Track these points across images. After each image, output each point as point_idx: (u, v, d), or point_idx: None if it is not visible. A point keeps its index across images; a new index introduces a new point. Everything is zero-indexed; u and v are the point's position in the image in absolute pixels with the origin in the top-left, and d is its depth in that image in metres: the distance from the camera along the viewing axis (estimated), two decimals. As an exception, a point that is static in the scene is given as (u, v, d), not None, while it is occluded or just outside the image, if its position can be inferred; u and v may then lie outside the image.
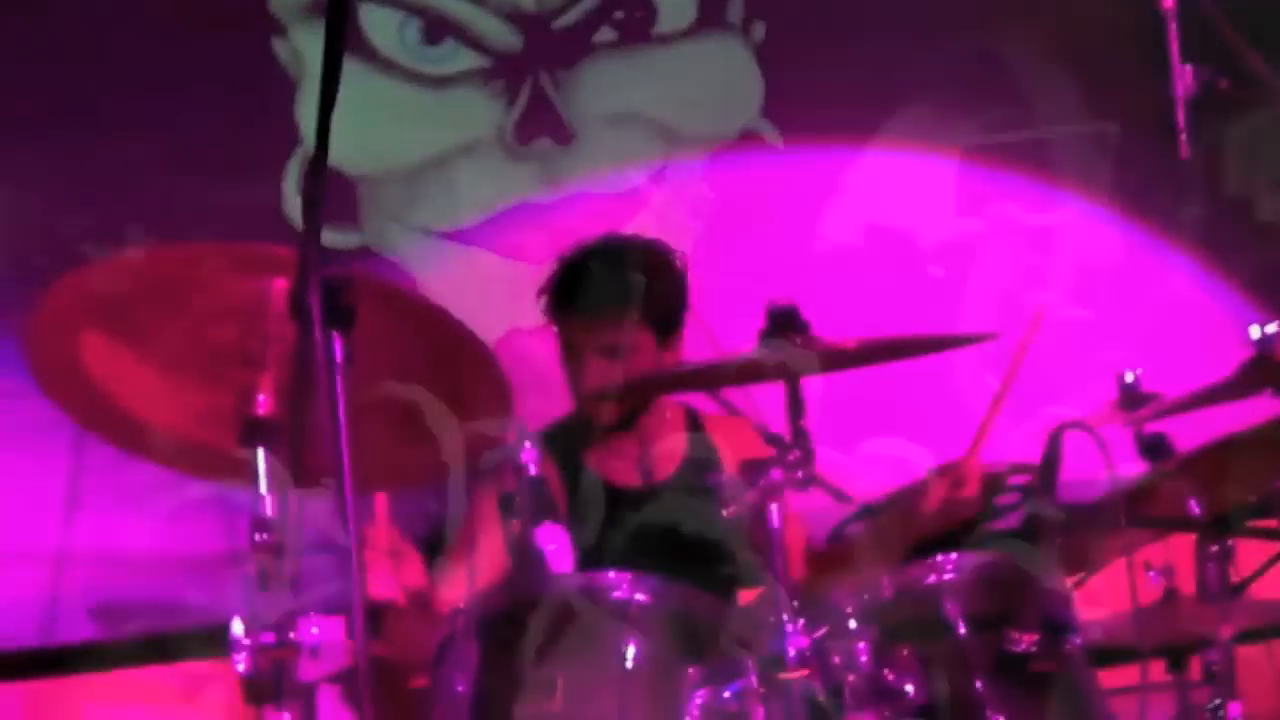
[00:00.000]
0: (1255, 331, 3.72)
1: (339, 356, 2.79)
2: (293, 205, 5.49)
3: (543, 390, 4.20)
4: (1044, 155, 5.66)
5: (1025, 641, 3.25)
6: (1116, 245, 5.66)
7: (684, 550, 4.00)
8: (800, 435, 3.29)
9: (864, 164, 5.70)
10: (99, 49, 5.50)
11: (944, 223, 5.70)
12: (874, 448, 4.13)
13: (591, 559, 3.83)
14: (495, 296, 5.29)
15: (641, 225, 5.35)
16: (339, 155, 5.41)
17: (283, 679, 2.98)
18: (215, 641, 3.04)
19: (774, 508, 3.24)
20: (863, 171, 5.71)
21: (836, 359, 3.38)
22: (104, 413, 3.15)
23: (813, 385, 3.33)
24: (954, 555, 3.34)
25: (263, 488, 2.99)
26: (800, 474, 3.25)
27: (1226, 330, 5.24)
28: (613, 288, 4.01)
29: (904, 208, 5.73)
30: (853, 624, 3.24)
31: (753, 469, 3.26)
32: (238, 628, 2.94)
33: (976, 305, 5.38)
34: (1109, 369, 3.94)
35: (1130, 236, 5.69)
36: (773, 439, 4.01)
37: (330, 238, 5.45)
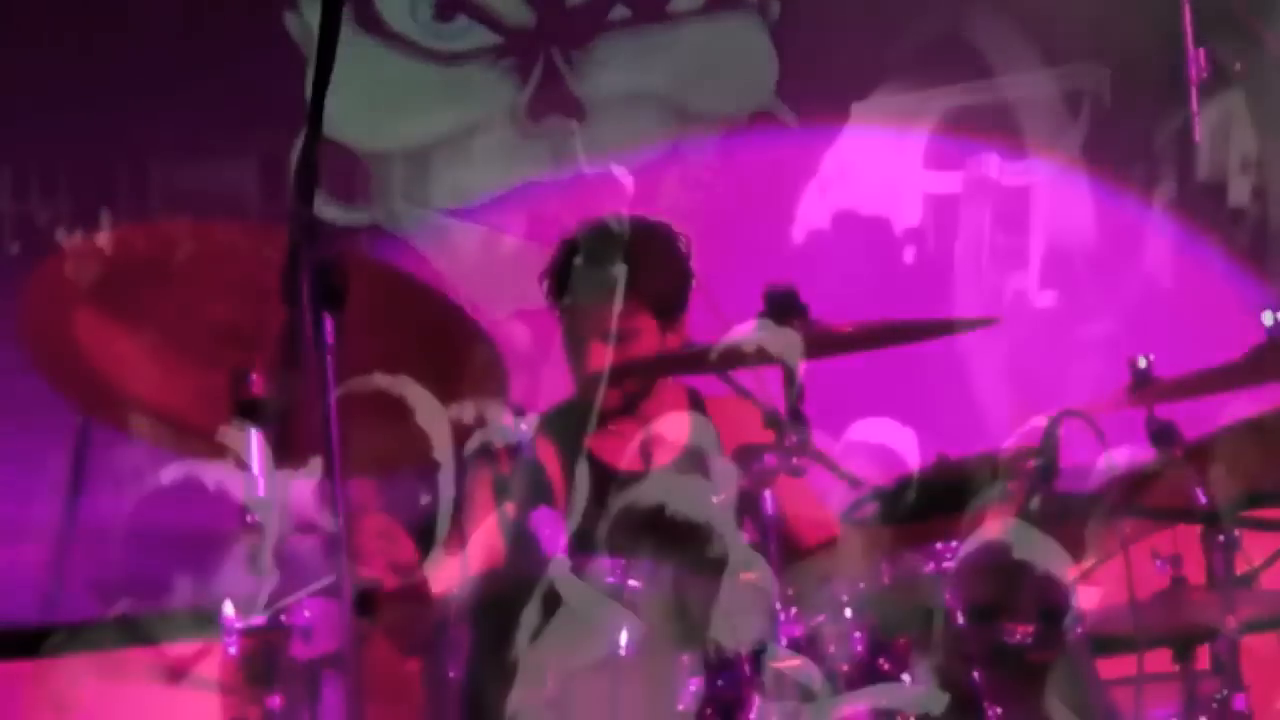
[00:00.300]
0: (1268, 318, 3.63)
1: (329, 337, 2.75)
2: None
3: (549, 371, 4.17)
4: (1043, 129, 5.60)
5: (1021, 632, 3.22)
6: (1125, 234, 5.62)
7: (679, 536, 3.96)
8: (796, 419, 3.24)
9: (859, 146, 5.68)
10: (114, 22, 5.49)
11: (935, 204, 5.67)
12: (860, 431, 4.08)
13: (588, 543, 3.79)
14: (505, 276, 5.27)
15: (651, 205, 5.31)
16: (349, 132, 5.44)
17: (275, 661, 2.96)
18: (209, 623, 3.02)
19: (767, 494, 3.21)
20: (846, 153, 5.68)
21: (834, 342, 3.34)
22: (97, 390, 3.14)
23: (811, 368, 3.29)
24: (953, 543, 3.29)
25: (255, 468, 2.97)
26: (794, 460, 3.21)
27: (1233, 313, 5.17)
28: (607, 274, 3.97)
29: (911, 191, 5.70)
30: (848, 611, 3.21)
31: (747, 454, 3.23)
32: (229, 610, 2.92)
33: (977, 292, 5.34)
34: (1117, 358, 3.89)
35: (1138, 223, 5.65)
36: (775, 422, 3.97)
37: (340, 215, 5.46)
